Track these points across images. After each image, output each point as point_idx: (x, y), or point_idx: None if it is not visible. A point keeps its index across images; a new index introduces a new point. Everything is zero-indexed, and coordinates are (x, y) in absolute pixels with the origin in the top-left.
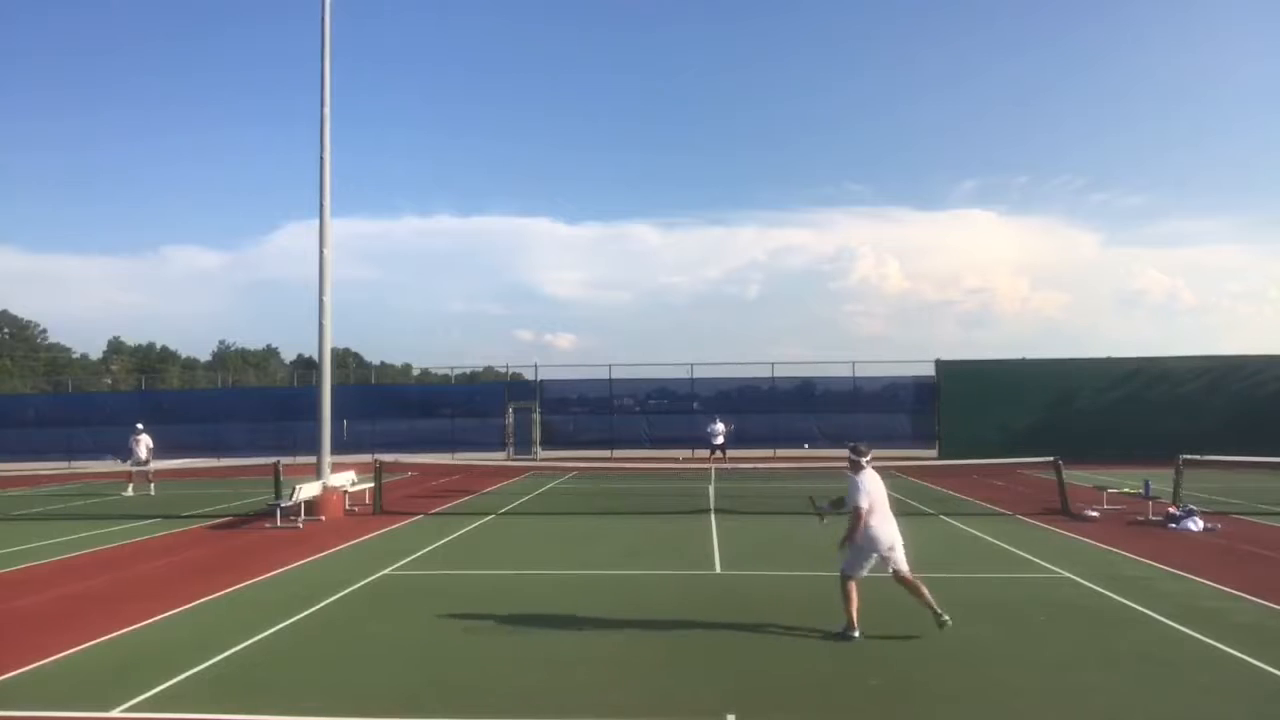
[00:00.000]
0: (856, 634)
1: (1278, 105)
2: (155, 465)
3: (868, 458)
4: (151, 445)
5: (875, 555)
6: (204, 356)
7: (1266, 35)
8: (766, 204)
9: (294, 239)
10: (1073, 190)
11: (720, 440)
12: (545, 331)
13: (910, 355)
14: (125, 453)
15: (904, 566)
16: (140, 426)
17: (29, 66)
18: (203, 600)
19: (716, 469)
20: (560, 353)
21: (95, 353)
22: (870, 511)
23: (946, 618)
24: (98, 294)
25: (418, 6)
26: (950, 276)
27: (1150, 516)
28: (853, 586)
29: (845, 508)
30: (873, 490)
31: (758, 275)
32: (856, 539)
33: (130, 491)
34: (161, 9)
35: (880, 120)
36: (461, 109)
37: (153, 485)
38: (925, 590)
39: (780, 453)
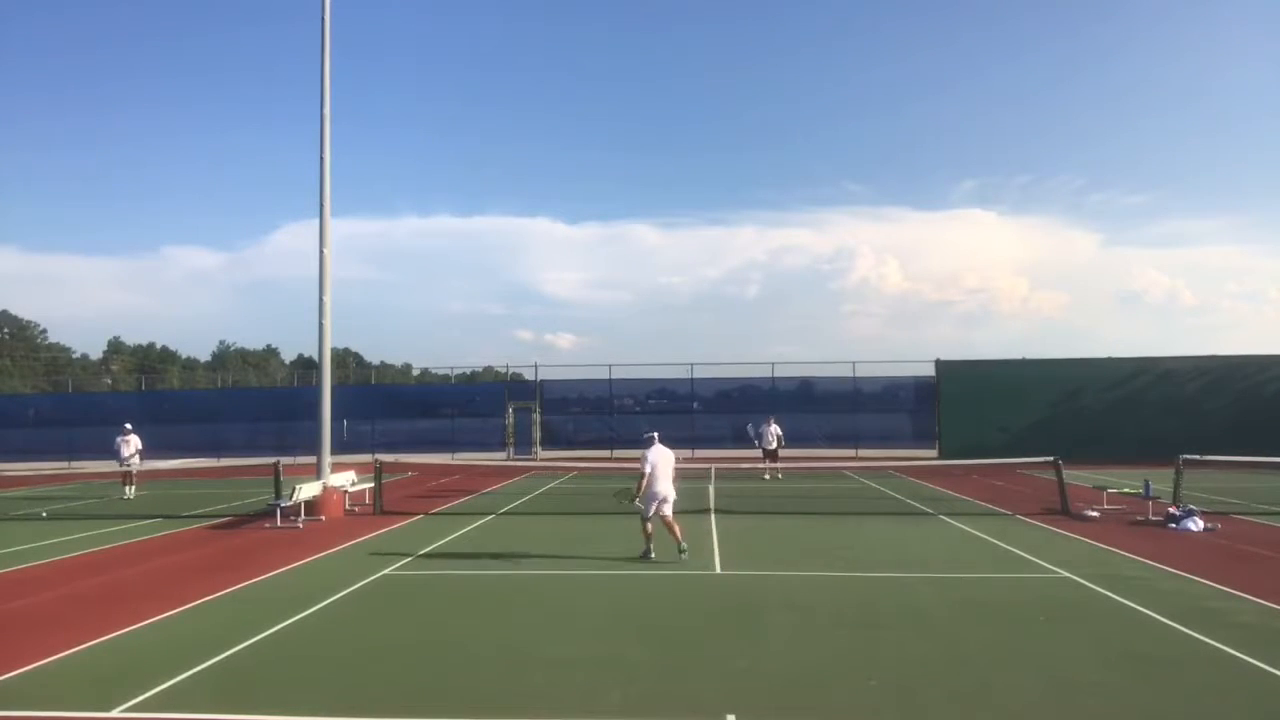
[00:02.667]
0: (653, 554)
1: (1276, 106)
2: (152, 466)
3: (656, 435)
4: (140, 446)
5: (655, 502)
6: (204, 356)
7: (1264, 36)
8: (766, 204)
9: (293, 239)
10: (1072, 190)
11: (774, 444)
12: (546, 331)
13: (908, 355)
14: (114, 452)
15: (668, 512)
16: (129, 426)
17: (25, 67)
18: (203, 600)
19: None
20: (560, 353)
21: (95, 353)
22: (651, 475)
23: (685, 547)
24: (98, 294)
25: (416, 6)
26: (949, 277)
27: (1150, 516)
28: (649, 525)
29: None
30: (654, 460)
31: (757, 275)
32: (644, 492)
33: (130, 494)
34: (158, 10)
35: (879, 120)
36: (461, 109)
37: (133, 487)
38: (676, 529)
39: (780, 452)
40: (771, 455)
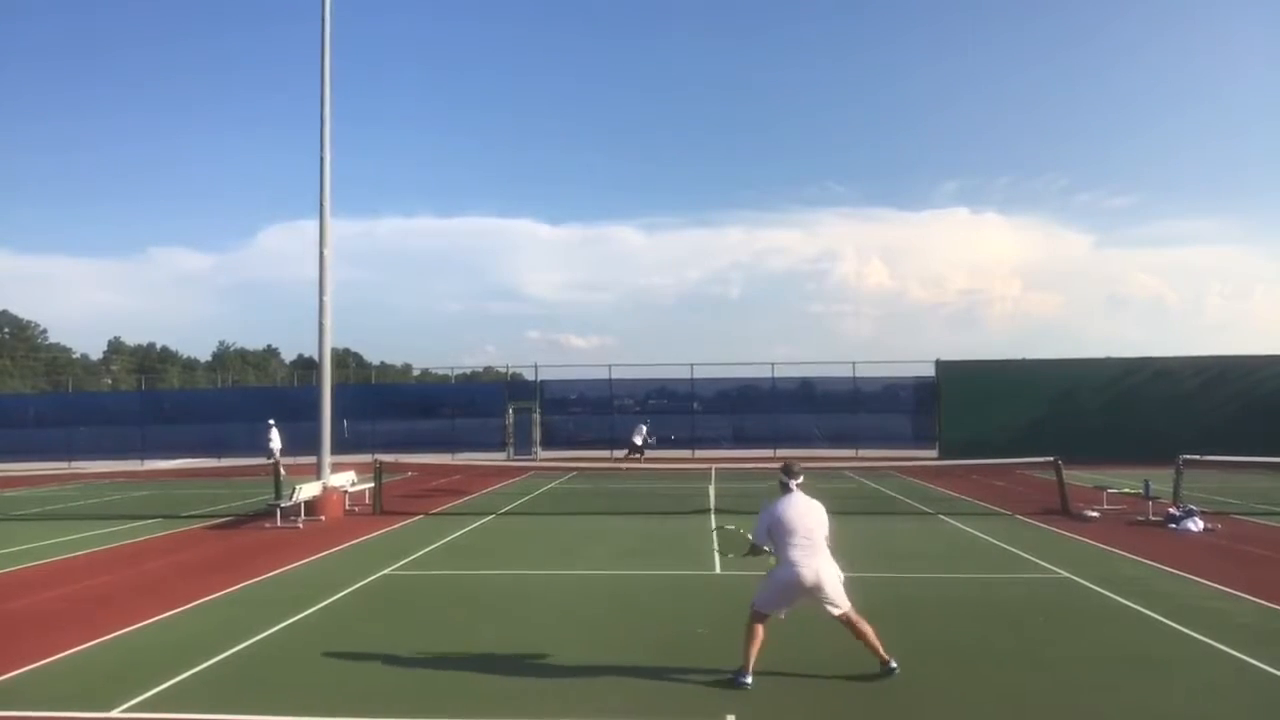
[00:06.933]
0: (749, 680)
1: (1268, 108)
2: (152, 466)
3: (798, 480)
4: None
5: (798, 595)
6: (204, 357)
7: (1252, 38)
8: (751, 204)
9: (278, 240)
10: (1057, 190)
11: (639, 442)
12: (548, 332)
13: (900, 355)
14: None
15: (843, 605)
16: (271, 422)
17: (16, 70)
18: (203, 600)
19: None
20: (562, 353)
21: (95, 353)
22: (787, 545)
23: (895, 665)
24: (88, 295)
25: (396, 7)
26: (938, 277)
27: (1150, 517)
28: (759, 628)
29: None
30: (789, 519)
31: (744, 276)
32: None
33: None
34: (144, 14)
35: (866, 122)
36: (441, 110)
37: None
38: (870, 633)
39: (780, 453)
40: (637, 451)
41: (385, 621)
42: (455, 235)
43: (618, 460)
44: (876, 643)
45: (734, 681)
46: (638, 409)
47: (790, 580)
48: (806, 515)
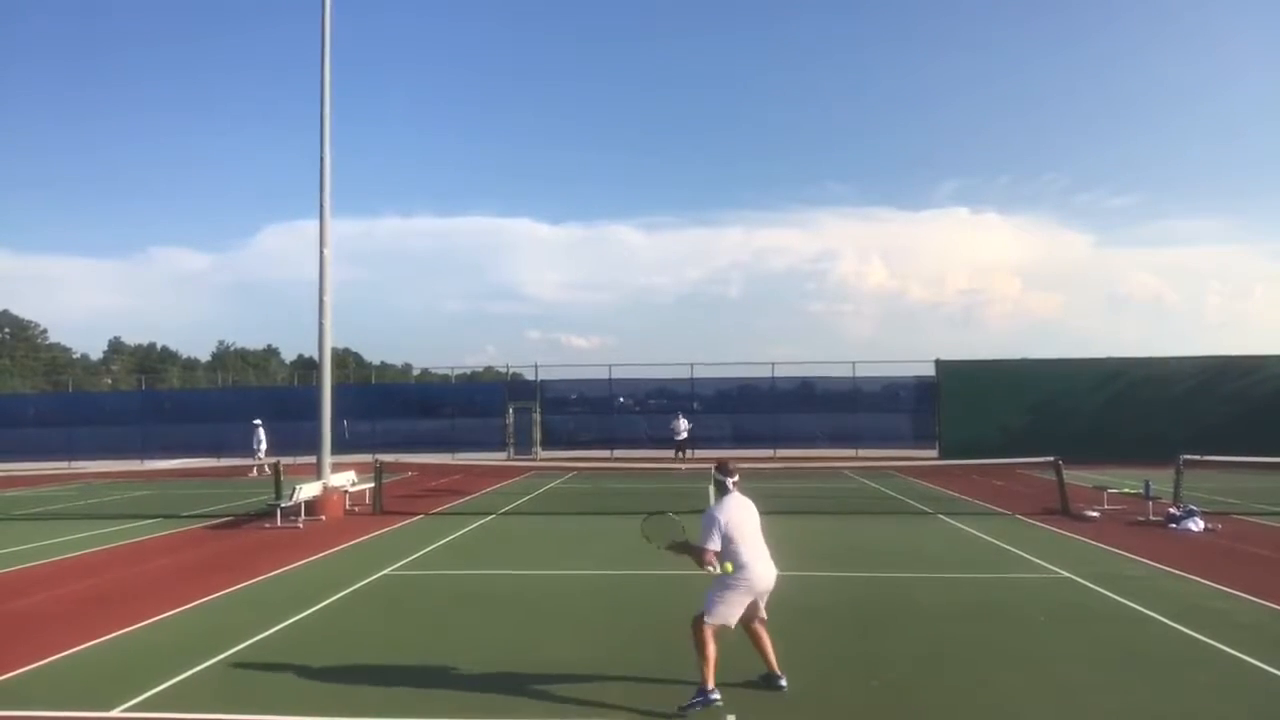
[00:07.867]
0: (718, 695)
1: (1268, 108)
2: (152, 466)
3: (734, 479)
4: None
5: (752, 600)
6: (204, 356)
7: (1248, 40)
8: (751, 204)
9: (278, 240)
10: (1057, 190)
11: (683, 437)
12: (548, 332)
13: (900, 355)
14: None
15: (763, 612)
16: (258, 422)
17: (17, 70)
18: (203, 600)
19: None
20: (562, 353)
21: (95, 353)
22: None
23: (784, 682)
24: (88, 295)
25: (395, 6)
26: (939, 277)
27: (1150, 517)
28: (713, 644)
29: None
30: (738, 520)
31: (743, 276)
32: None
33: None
34: (144, 14)
35: (866, 122)
36: (441, 109)
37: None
38: (767, 643)
39: (780, 453)
40: (683, 449)
41: (385, 621)
42: (455, 235)
43: (670, 460)
44: (771, 655)
45: (702, 704)
46: (637, 409)
47: (749, 585)
48: (752, 516)
